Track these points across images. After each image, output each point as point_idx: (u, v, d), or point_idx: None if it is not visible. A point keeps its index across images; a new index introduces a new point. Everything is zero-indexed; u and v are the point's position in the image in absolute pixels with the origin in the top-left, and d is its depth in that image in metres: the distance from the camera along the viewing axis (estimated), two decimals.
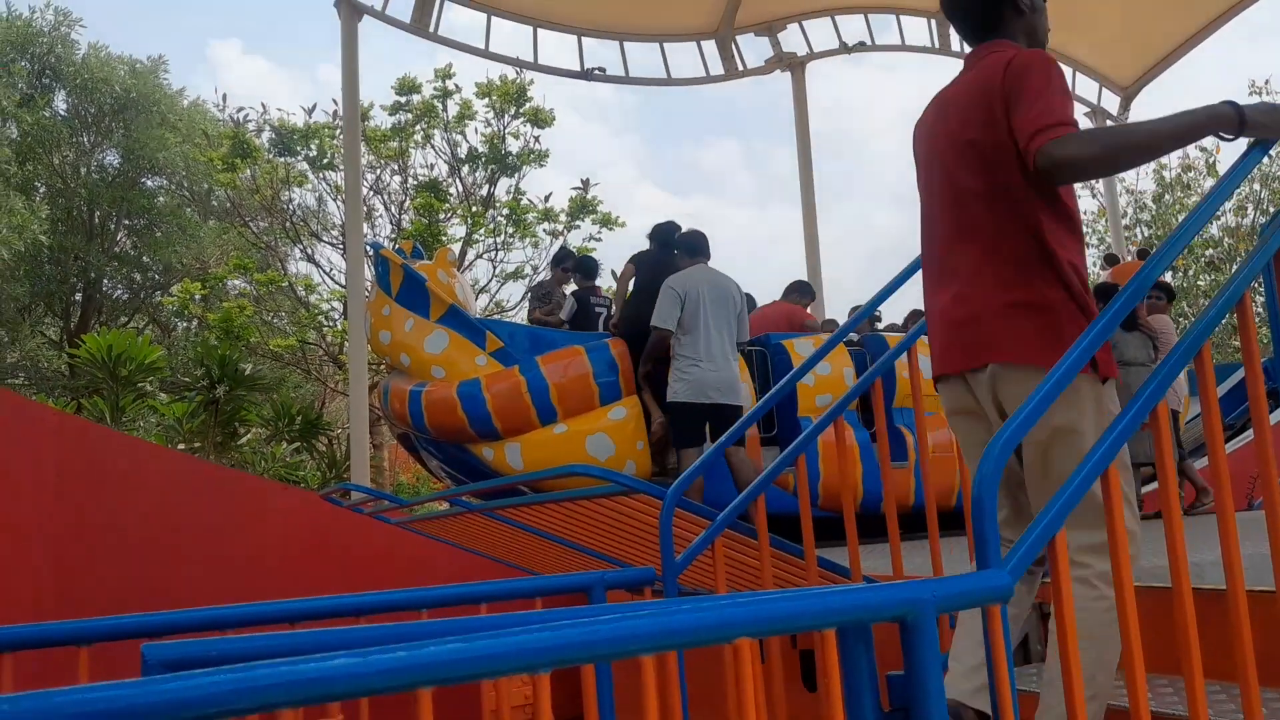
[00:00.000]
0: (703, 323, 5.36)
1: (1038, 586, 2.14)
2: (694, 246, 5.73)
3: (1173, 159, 20.27)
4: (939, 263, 2.18)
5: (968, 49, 2.24)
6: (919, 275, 2.91)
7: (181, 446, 9.63)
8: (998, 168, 2.01)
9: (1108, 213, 14.33)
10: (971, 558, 2.20)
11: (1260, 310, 15.26)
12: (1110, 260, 10.92)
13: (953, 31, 12.18)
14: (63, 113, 17.20)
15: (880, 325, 7.93)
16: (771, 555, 2.48)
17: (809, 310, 7.66)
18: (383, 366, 9.35)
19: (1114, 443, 1.55)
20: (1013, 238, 2.00)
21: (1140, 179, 20.70)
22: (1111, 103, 12.84)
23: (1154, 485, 6.79)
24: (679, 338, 5.44)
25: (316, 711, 1.65)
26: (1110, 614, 1.77)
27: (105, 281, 17.43)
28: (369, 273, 8.77)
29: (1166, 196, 20.40)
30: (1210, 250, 19.95)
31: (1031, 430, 1.56)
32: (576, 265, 7.28)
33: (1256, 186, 20.35)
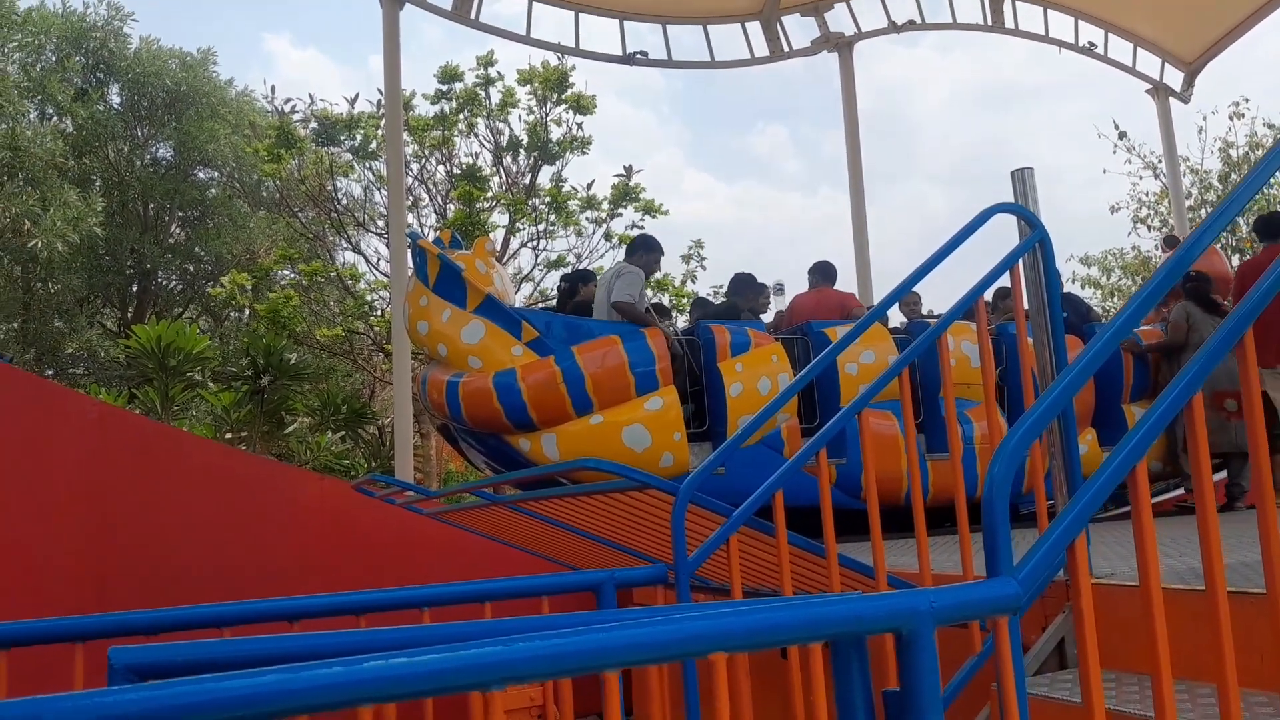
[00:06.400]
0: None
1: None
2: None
3: (1239, 136, 19.41)
4: None
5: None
6: (956, 256, 2.79)
7: (229, 436, 9.77)
8: None
9: (1170, 194, 13.81)
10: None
11: None
12: (1170, 242, 10.52)
13: (1006, 8, 11.82)
14: (116, 106, 17.53)
15: (924, 312, 7.71)
16: (791, 553, 2.38)
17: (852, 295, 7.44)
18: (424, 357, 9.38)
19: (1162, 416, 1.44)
20: None
21: (1206, 157, 19.79)
22: (1174, 78, 12.36)
23: (1222, 474, 6.47)
24: None
25: None
26: None
27: (160, 273, 17.77)
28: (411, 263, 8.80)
29: (1234, 176, 19.57)
30: None
31: None
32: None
33: None
